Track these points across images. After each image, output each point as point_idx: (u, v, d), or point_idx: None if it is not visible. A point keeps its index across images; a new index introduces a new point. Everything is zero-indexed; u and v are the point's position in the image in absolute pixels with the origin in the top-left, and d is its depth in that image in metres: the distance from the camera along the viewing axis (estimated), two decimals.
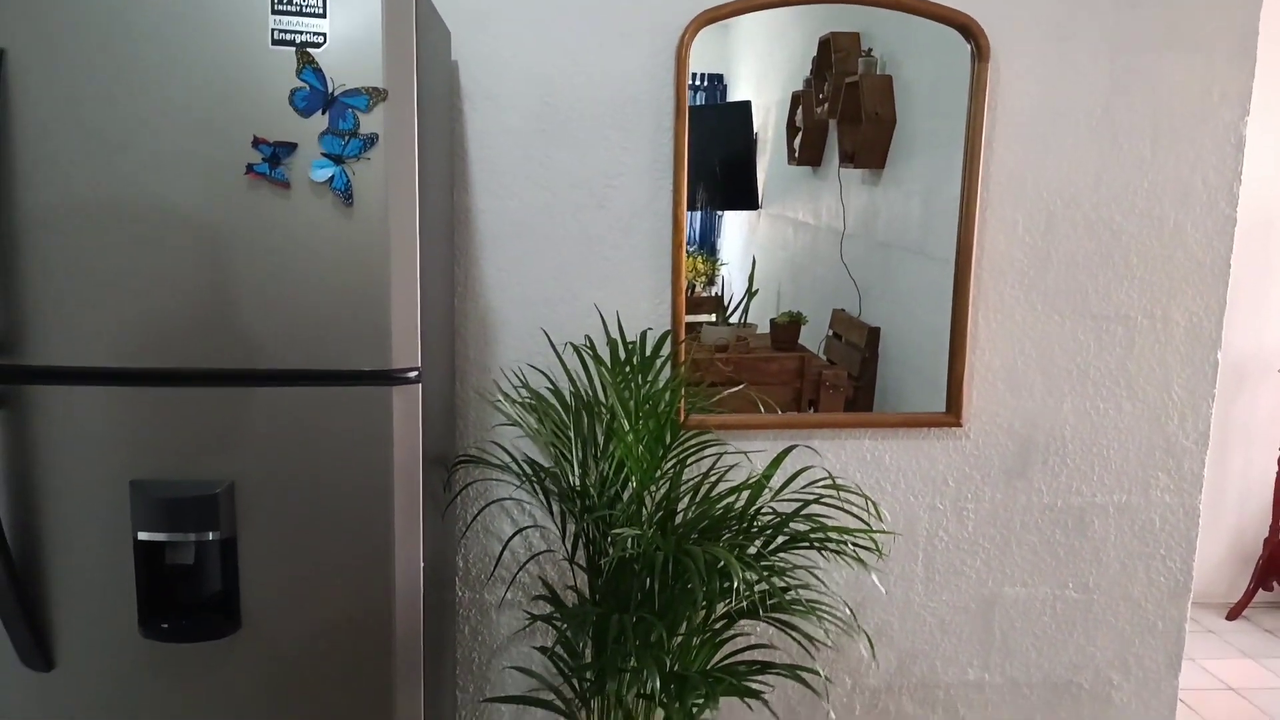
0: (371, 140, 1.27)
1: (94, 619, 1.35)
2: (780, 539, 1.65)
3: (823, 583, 2.02)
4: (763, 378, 2.05)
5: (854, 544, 1.63)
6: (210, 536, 1.31)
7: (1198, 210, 1.96)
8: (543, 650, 1.84)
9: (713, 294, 2.03)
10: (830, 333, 2.05)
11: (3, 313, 1.27)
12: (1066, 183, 1.94)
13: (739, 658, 1.80)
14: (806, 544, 1.62)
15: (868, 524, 1.88)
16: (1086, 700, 2.13)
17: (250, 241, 1.28)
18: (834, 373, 2.08)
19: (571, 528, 1.79)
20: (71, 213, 1.26)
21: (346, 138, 1.25)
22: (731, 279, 2.01)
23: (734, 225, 1.99)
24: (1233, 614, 3.27)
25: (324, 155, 1.26)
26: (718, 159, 1.96)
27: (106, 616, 1.35)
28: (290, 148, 1.25)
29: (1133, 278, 1.97)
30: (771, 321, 2.07)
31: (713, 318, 2.03)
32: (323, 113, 1.25)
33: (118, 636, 1.35)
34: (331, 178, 1.26)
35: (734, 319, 2.04)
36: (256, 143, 1.25)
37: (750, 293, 2.06)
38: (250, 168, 1.25)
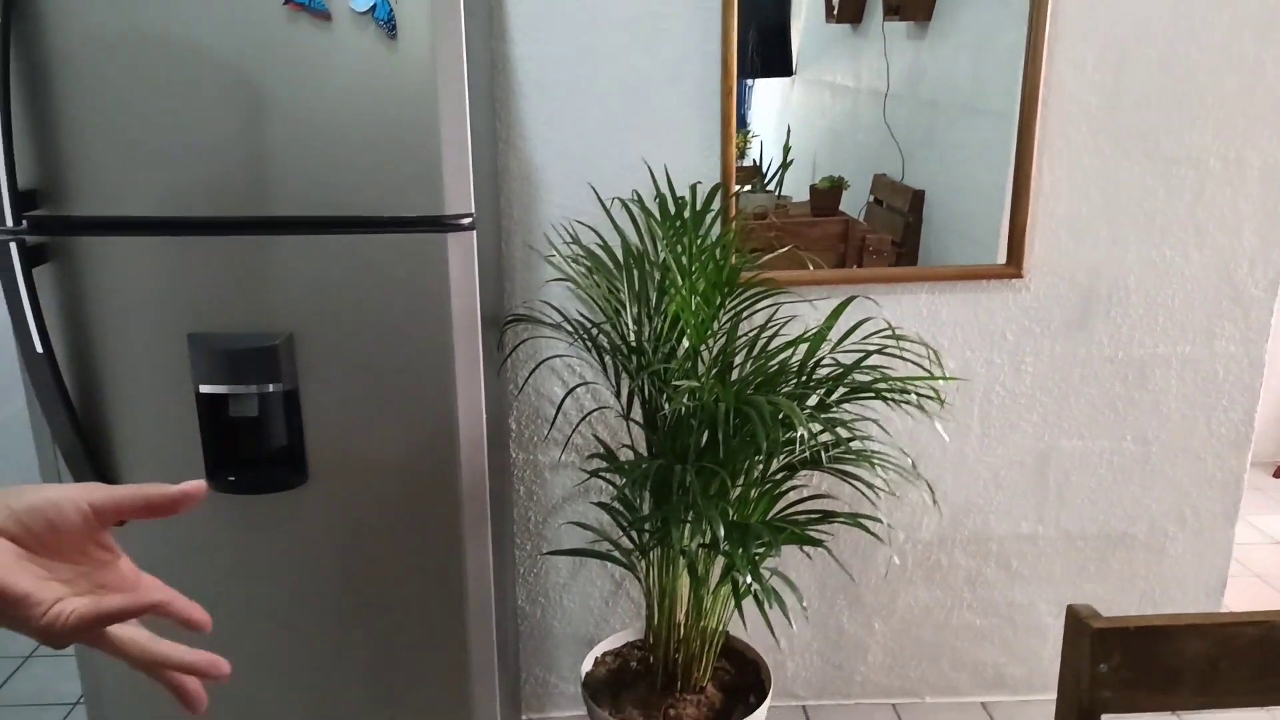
0: None
1: (162, 473, 1.35)
2: (840, 390, 1.62)
3: (886, 431, 2.00)
4: (805, 244, 1.99)
5: (917, 393, 1.60)
6: (271, 389, 1.30)
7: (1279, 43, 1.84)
8: (602, 506, 1.85)
9: (749, 163, 1.96)
10: (871, 199, 1.98)
11: (40, 162, 1.23)
12: (1141, 17, 1.82)
13: (795, 509, 1.80)
14: (870, 394, 1.59)
15: (930, 373, 1.85)
16: (1141, 551, 2.13)
17: (293, 79, 1.22)
18: (878, 237, 2.02)
19: (626, 385, 1.77)
20: (102, 51, 1.20)
21: None
22: (764, 152, 1.93)
23: (765, 95, 1.89)
24: None
25: None
26: (749, 24, 1.85)
27: (174, 470, 1.35)
28: None
29: (1207, 118, 1.86)
30: (811, 187, 2.00)
31: (749, 187, 1.96)
32: None
33: None
34: (373, 6, 1.19)
35: (770, 188, 1.97)
36: None
37: (785, 163, 1.98)
38: None
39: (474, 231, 1.30)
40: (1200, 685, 0.93)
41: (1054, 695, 2.25)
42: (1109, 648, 0.92)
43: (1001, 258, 1.93)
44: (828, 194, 2.01)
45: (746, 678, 1.87)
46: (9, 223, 1.17)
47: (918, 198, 1.97)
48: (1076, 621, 0.93)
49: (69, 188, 1.24)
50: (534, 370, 1.94)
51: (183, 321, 1.29)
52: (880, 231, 2.01)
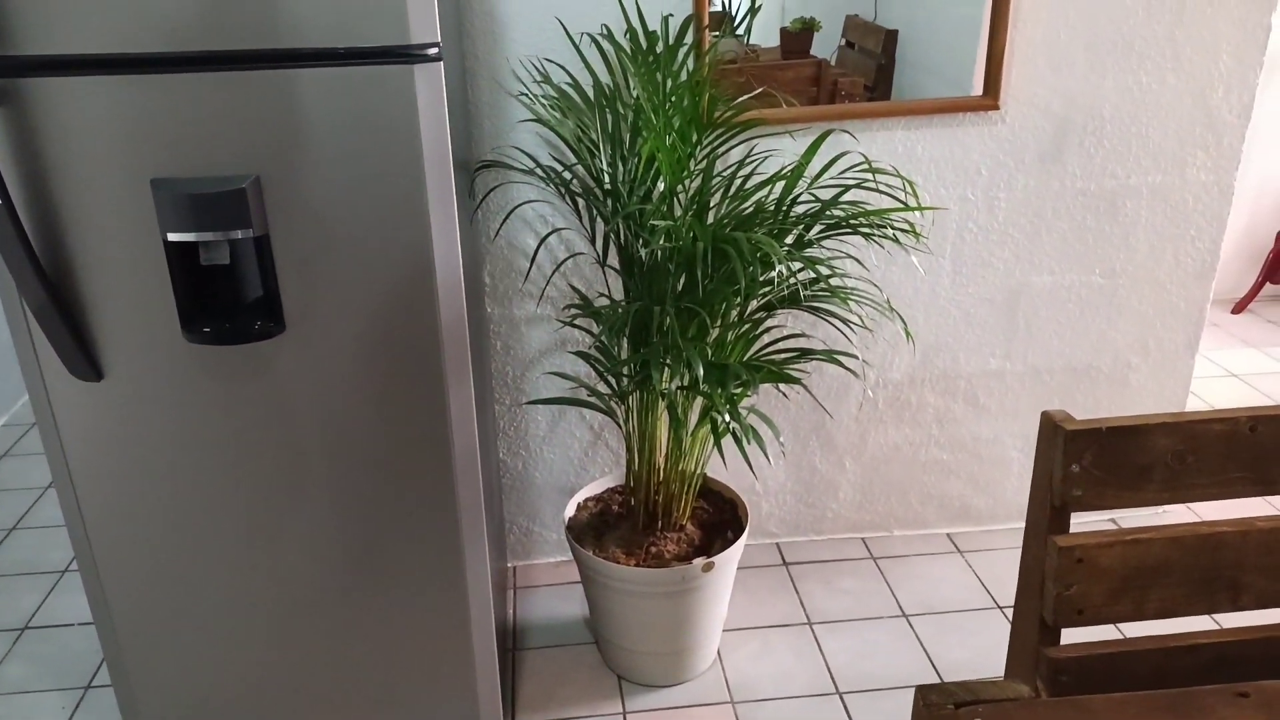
0: None
1: (137, 326, 1.33)
2: (818, 227, 1.62)
3: (864, 266, 2.01)
4: (777, 88, 1.94)
5: (893, 227, 1.60)
6: (240, 235, 1.26)
7: None
8: (580, 355, 1.86)
9: (716, 8, 1.88)
10: (843, 42, 1.93)
11: None
12: None
13: (772, 350, 1.83)
14: (848, 229, 1.59)
15: (906, 205, 1.85)
16: (1104, 383, 2.20)
17: None
18: (850, 80, 1.98)
19: (600, 230, 1.76)
20: None
21: None
22: None
23: None
24: (1238, 308, 3.33)
25: None
26: None
27: (149, 322, 1.33)
28: None
29: None
30: (782, 30, 1.94)
31: (717, 33, 1.89)
32: None
33: (163, 342, 1.34)
34: None
35: (739, 34, 1.90)
36: None
37: (754, 7, 1.91)
38: None
39: (441, 63, 1.25)
40: (1167, 480, 0.97)
41: (1016, 525, 2.37)
42: (1081, 448, 0.96)
43: (977, 93, 1.90)
44: (799, 36, 1.95)
45: (724, 515, 1.94)
46: None
47: (890, 38, 1.92)
48: (1051, 425, 0.96)
49: (12, 25, 1.16)
50: (506, 218, 1.91)
51: (145, 166, 1.24)
52: (852, 75, 1.96)
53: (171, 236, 1.26)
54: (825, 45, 1.93)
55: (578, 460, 2.17)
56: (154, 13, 1.18)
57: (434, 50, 1.24)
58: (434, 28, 1.23)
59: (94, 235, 1.28)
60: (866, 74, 1.94)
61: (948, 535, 2.32)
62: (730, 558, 1.82)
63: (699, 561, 1.75)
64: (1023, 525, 2.31)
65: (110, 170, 1.25)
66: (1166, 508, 2.30)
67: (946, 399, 2.19)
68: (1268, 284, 3.32)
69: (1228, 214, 2.04)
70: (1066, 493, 0.97)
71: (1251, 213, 3.38)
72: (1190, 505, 2.28)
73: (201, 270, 1.31)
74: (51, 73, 1.20)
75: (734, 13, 1.88)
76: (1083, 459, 0.96)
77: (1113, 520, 2.24)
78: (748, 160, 1.79)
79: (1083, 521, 2.23)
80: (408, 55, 1.23)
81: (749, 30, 1.91)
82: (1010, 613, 2.04)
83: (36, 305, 1.28)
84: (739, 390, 1.60)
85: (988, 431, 2.23)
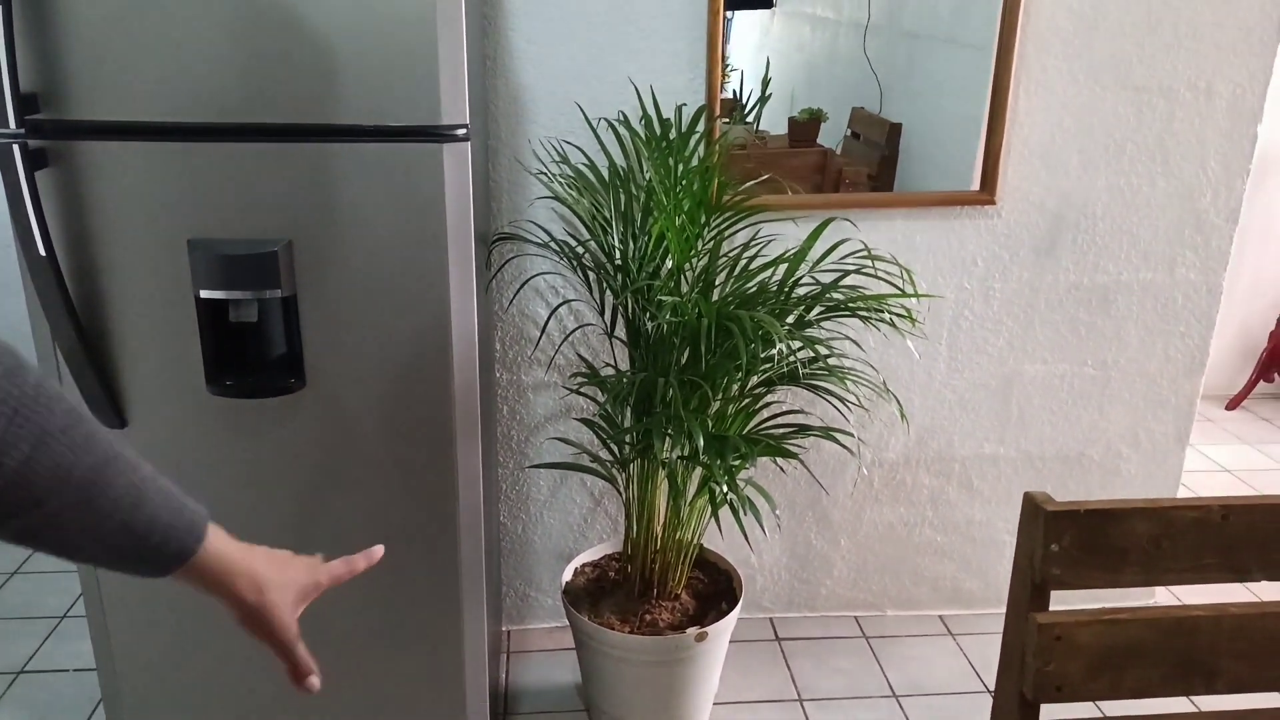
0: None
1: (163, 376, 1.39)
2: (818, 308, 1.69)
3: (860, 348, 2.07)
4: (783, 174, 2.03)
5: (890, 311, 1.67)
6: (270, 295, 1.33)
7: None
8: (584, 421, 1.91)
9: (728, 95, 1.99)
10: (849, 132, 2.02)
11: (42, 64, 1.24)
12: None
13: (771, 424, 1.88)
14: (846, 312, 1.66)
15: (903, 291, 1.91)
16: (1096, 472, 2.24)
17: None
18: (854, 170, 2.07)
19: (609, 303, 1.82)
20: None
21: None
22: (743, 85, 1.96)
23: (745, 28, 1.91)
24: (1232, 404, 3.38)
25: None
26: None
27: (175, 374, 1.39)
28: None
29: (1180, 47, 1.92)
30: (790, 119, 2.04)
31: (727, 120, 1.99)
32: None
33: (186, 393, 1.40)
34: None
35: (748, 121, 2.00)
36: None
37: (764, 96, 2.01)
38: None
39: (469, 143, 1.33)
40: (1144, 564, 1.01)
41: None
42: (1061, 529, 1.00)
43: (975, 187, 1.99)
44: (806, 126, 2.05)
45: (719, 586, 1.97)
46: (11, 125, 1.19)
47: (894, 130, 2.02)
48: (1032, 505, 1.01)
49: (70, 91, 1.25)
50: (520, 289, 1.98)
51: (183, 227, 1.32)
52: (857, 165, 2.05)
53: (204, 293, 1.33)
54: (832, 135, 2.02)
55: (577, 526, 2.20)
56: (200, 85, 1.27)
57: (462, 131, 1.33)
58: (464, 110, 1.32)
59: (129, 288, 1.35)
60: (871, 164, 2.03)
61: (940, 617, 2.33)
62: (724, 629, 1.84)
63: (692, 631, 1.77)
64: None
65: (150, 229, 1.33)
66: (1155, 593, 2.32)
67: (941, 480, 2.23)
68: (1261, 382, 3.38)
69: (1216, 313, 2.11)
70: (1046, 571, 1.01)
71: (1246, 311, 3.45)
72: (1173, 589, 2.30)
73: (229, 327, 1.38)
74: (102, 137, 1.28)
75: (744, 100, 1.98)
76: (1062, 539, 1.00)
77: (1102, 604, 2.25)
78: (753, 243, 1.87)
79: (1070, 604, 2.25)
80: (438, 135, 1.31)
81: (758, 118, 2.01)
82: None
83: (68, 349, 1.35)
84: (738, 462, 1.65)
85: (981, 515, 2.27)
